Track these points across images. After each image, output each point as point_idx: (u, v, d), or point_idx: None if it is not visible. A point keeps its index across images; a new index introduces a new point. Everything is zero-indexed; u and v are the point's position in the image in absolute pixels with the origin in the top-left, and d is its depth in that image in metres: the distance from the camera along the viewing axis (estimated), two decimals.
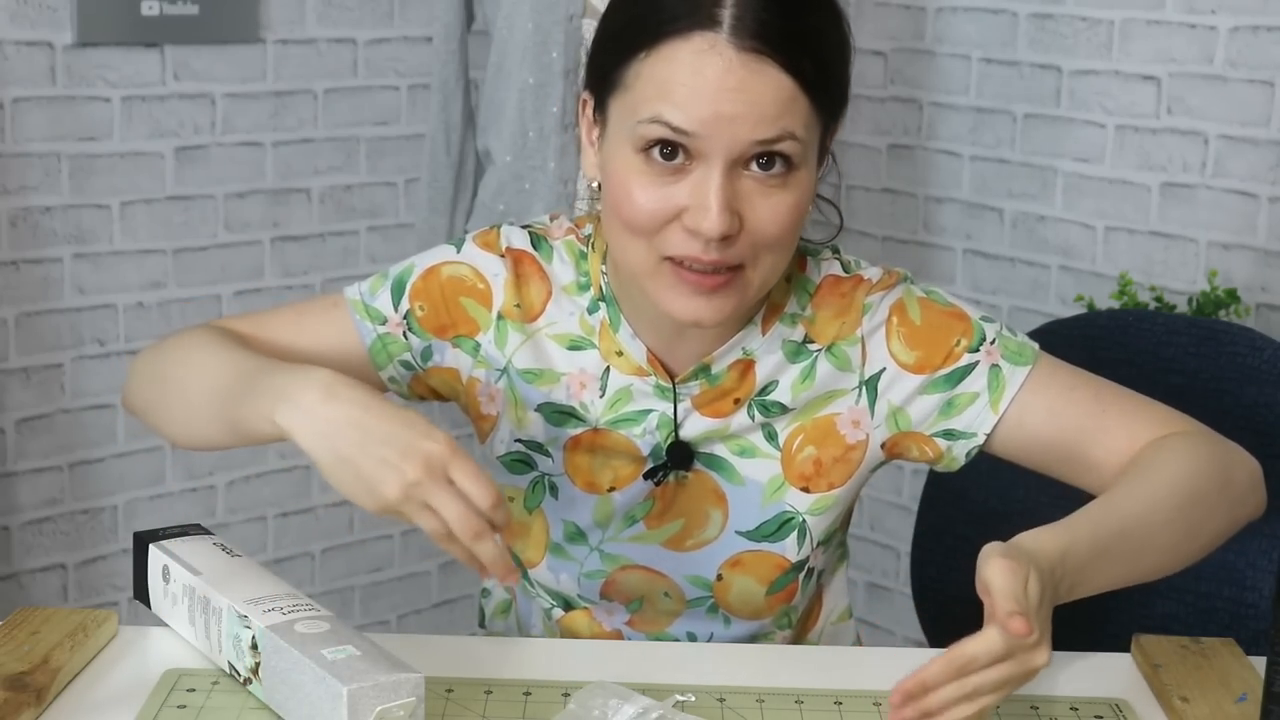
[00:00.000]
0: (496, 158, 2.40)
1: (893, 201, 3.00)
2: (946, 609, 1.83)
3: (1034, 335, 1.80)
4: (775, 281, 1.32)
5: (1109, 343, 1.74)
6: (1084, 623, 1.72)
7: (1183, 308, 2.43)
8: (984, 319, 1.39)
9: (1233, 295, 2.38)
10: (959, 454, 1.39)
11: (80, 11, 2.48)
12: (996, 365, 1.36)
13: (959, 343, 1.37)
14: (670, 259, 1.26)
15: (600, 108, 1.31)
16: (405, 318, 1.40)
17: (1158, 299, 2.43)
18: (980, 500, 1.79)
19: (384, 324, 1.40)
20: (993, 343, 1.37)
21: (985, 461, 1.40)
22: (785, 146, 1.24)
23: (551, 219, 1.44)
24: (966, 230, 2.88)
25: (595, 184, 1.33)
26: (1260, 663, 1.27)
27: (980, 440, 1.37)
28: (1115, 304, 2.47)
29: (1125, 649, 1.37)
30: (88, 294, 2.60)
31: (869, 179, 3.02)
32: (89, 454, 2.64)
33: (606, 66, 1.29)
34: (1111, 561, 1.22)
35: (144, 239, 2.64)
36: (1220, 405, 1.64)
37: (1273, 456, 1.58)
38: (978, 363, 1.36)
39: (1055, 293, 2.75)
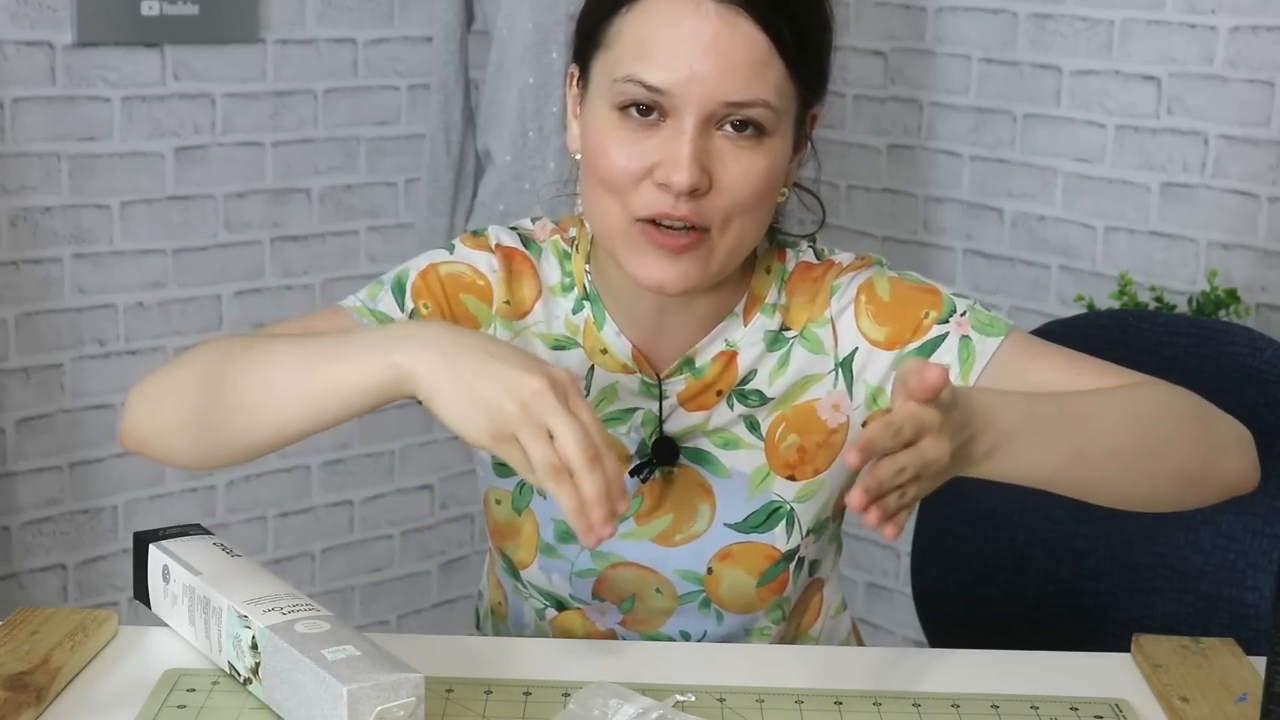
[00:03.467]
0: (496, 158, 2.41)
1: (893, 201, 3.00)
2: (946, 609, 1.83)
3: (1034, 335, 1.79)
4: (743, 255, 1.33)
5: (1109, 343, 1.74)
6: (1084, 623, 1.72)
7: (1183, 308, 2.43)
8: (957, 295, 1.39)
9: (1233, 295, 2.38)
10: None
11: (80, 11, 2.48)
12: (967, 336, 1.36)
13: (927, 315, 1.37)
14: (642, 220, 1.28)
15: (584, 73, 1.33)
16: (411, 317, 1.39)
17: (1158, 299, 2.43)
18: (980, 500, 1.79)
19: None
20: (963, 315, 1.36)
21: None
22: (757, 113, 1.26)
23: (534, 221, 1.45)
24: (966, 230, 2.88)
25: (576, 155, 1.35)
26: (1260, 663, 1.27)
27: None
28: (1115, 304, 2.46)
29: (1125, 649, 1.37)
30: (88, 294, 2.60)
31: (869, 179, 3.02)
32: (89, 454, 2.64)
33: (591, 25, 1.31)
34: (1047, 442, 1.22)
35: (144, 239, 2.64)
36: (1220, 405, 1.64)
37: (1273, 456, 1.58)
38: (948, 334, 1.36)
39: (1055, 293, 2.75)
